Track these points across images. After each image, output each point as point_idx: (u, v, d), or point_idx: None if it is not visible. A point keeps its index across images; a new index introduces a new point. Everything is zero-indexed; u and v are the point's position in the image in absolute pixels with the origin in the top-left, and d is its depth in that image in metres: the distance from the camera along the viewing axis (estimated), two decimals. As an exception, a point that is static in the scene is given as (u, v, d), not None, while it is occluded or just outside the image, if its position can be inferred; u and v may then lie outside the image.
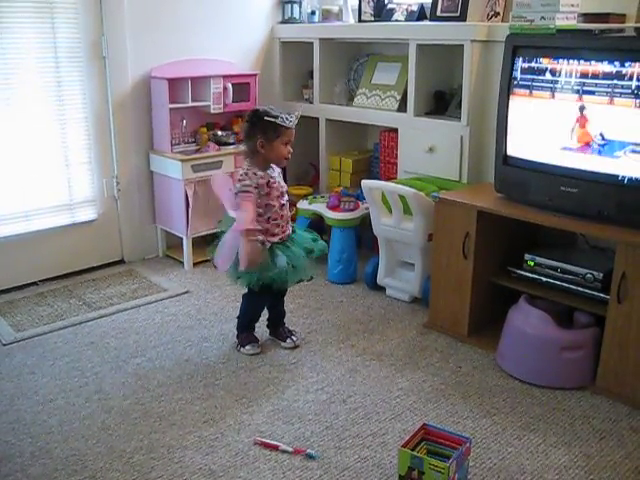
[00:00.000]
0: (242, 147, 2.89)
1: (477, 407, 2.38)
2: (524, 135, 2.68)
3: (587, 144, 2.46)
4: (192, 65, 3.68)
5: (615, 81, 2.33)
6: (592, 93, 2.40)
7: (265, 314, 2.87)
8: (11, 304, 3.21)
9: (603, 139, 2.42)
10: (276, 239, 2.62)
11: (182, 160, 3.50)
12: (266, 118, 2.54)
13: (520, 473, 2.03)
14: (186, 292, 3.37)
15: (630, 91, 2.30)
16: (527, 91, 2.62)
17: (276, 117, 2.54)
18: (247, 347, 2.75)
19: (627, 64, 2.29)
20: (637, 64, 2.27)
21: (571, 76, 2.46)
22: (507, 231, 2.78)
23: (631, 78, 2.29)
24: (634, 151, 2.34)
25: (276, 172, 2.67)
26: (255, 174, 2.58)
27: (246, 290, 2.76)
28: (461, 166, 3.24)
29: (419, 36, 3.31)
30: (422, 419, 2.26)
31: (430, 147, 3.34)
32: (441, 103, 3.47)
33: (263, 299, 2.78)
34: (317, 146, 3.99)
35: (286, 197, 2.69)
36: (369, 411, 2.35)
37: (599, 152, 2.43)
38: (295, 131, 2.63)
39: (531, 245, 2.77)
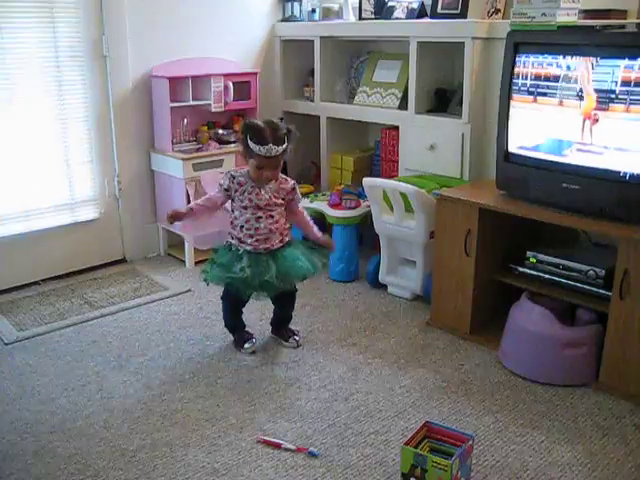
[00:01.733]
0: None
1: (480, 404, 2.38)
2: (525, 132, 2.67)
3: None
4: (193, 64, 3.68)
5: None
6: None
7: (265, 313, 2.87)
8: (13, 303, 3.21)
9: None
10: (248, 248, 2.60)
11: (183, 159, 3.50)
12: (248, 135, 2.50)
13: (523, 470, 2.03)
14: (188, 291, 3.37)
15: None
16: (528, 88, 2.61)
17: (252, 138, 2.48)
18: (245, 345, 2.74)
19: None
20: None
21: (572, 73, 2.46)
22: (509, 228, 2.77)
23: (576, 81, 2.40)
24: (580, 150, 2.45)
25: (270, 185, 2.59)
26: (233, 177, 2.59)
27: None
28: (462, 163, 3.23)
29: (420, 33, 3.31)
30: (425, 417, 2.26)
31: (431, 145, 3.33)
32: (442, 100, 3.46)
33: (233, 302, 2.74)
34: (318, 144, 3.99)
35: (270, 213, 2.60)
36: (371, 409, 2.35)
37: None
38: (280, 159, 2.54)
39: (533, 242, 2.77)
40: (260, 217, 2.59)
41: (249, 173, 2.60)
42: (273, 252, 2.62)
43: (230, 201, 2.65)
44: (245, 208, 2.59)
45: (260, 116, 3.90)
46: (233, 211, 2.65)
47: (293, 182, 2.69)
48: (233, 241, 2.64)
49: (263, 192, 2.59)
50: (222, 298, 2.78)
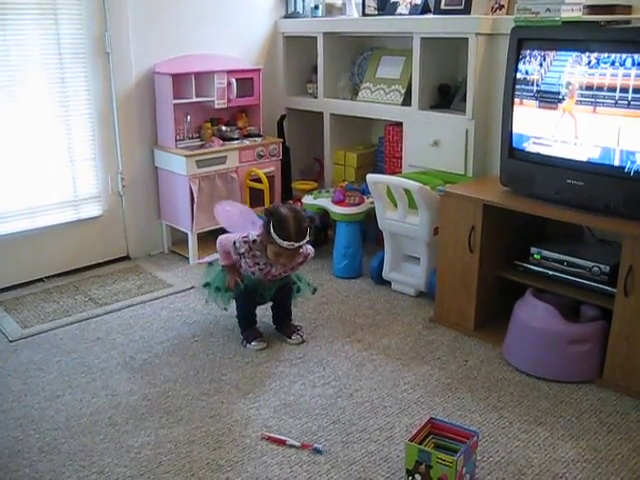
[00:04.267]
0: (246, 143, 2.88)
1: (484, 401, 2.38)
2: (529, 128, 2.66)
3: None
4: (196, 60, 3.67)
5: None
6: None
7: (267, 310, 2.89)
8: (17, 301, 3.22)
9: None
10: None
11: (186, 156, 3.50)
12: (272, 222, 2.52)
13: (527, 467, 2.03)
14: (192, 287, 3.37)
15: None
16: (532, 84, 2.60)
17: (275, 228, 2.50)
18: (253, 343, 2.75)
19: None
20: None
21: (576, 68, 2.45)
22: (513, 224, 2.77)
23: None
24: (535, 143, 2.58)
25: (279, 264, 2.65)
26: (250, 248, 2.62)
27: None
28: (466, 159, 3.23)
29: (423, 30, 3.30)
30: (429, 413, 2.26)
31: (435, 141, 3.33)
32: (446, 96, 3.46)
33: (247, 299, 2.78)
34: (321, 141, 3.98)
35: (276, 280, 2.74)
36: (376, 405, 2.35)
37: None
38: (294, 251, 2.57)
39: (537, 238, 2.77)
40: (265, 285, 2.74)
41: (266, 250, 2.61)
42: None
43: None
44: (253, 274, 2.68)
45: (263, 112, 3.91)
46: (239, 258, 2.70)
47: (303, 254, 2.70)
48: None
49: (274, 270, 2.67)
50: (236, 298, 2.80)
